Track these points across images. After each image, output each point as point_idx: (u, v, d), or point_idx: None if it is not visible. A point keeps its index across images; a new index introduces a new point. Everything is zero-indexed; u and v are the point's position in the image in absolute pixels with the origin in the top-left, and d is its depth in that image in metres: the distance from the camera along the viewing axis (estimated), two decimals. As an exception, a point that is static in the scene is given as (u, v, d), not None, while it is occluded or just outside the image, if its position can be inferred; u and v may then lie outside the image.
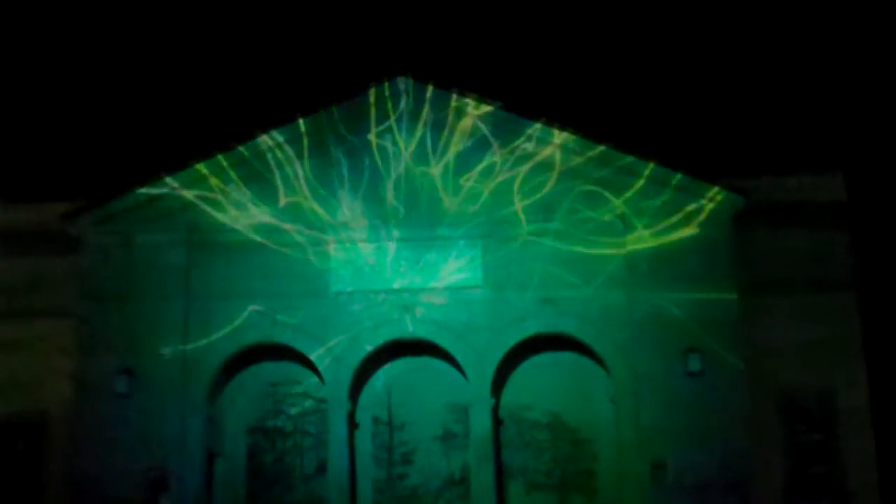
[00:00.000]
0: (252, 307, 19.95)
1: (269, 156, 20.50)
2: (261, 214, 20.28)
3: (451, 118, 20.55)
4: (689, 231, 19.79)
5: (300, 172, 20.48)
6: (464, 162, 20.39)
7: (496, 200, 20.16)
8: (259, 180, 20.48)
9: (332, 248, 20.19)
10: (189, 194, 20.39)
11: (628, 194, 19.97)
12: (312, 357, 20.03)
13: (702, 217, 19.82)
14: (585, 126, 20.78)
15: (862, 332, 20.66)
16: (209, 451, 20.14)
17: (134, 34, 34.69)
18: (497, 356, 19.86)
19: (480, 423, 19.73)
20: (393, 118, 20.66)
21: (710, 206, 19.86)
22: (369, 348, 20.09)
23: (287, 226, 20.17)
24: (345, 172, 20.44)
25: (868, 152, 26.84)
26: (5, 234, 21.50)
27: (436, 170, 20.38)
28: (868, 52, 30.99)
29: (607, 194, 20.02)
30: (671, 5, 33.87)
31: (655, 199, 19.92)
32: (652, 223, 19.83)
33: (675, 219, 19.83)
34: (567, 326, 19.87)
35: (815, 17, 31.84)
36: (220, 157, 20.42)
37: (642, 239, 19.82)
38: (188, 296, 20.05)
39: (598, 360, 20.13)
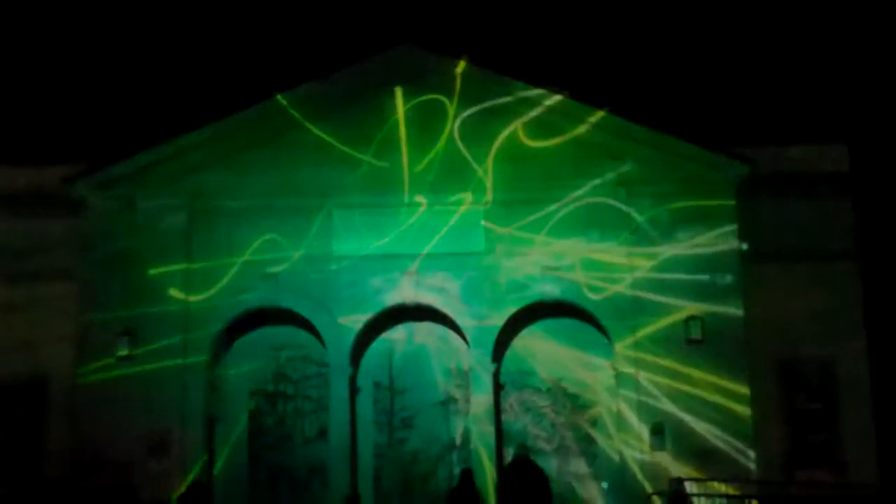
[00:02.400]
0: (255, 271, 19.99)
1: (273, 120, 20.43)
2: (264, 179, 20.22)
3: (455, 84, 20.48)
4: (692, 199, 19.78)
5: (304, 137, 20.41)
6: (468, 128, 20.34)
7: (500, 167, 20.12)
8: (262, 145, 20.42)
9: (336, 214, 20.17)
10: (192, 158, 20.34)
11: (631, 161, 19.94)
12: (314, 321, 20.09)
13: (705, 185, 19.80)
14: (588, 92, 20.76)
15: (863, 301, 20.73)
16: (210, 415, 20.18)
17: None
18: (499, 322, 19.91)
19: (481, 388, 19.79)
20: (396, 84, 20.58)
21: (714, 174, 19.85)
22: (371, 313, 20.10)
23: (290, 190, 20.11)
24: (348, 137, 20.38)
25: (872, 123, 26.80)
26: (7, 196, 21.42)
27: (440, 136, 20.32)
28: (873, 22, 30.84)
29: (611, 161, 19.99)
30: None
31: (659, 166, 19.90)
32: (655, 191, 19.81)
33: (678, 187, 19.80)
34: (569, 293, 19.89)
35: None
36: (223, 121, 20.33)
37: (645, 207, 19.81)
38: (190, 260, 20.02)
39: (600, 327, 20.18)
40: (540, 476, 15.52)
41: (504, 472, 17.48)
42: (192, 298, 19.92)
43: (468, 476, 16.76)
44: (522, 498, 15.27)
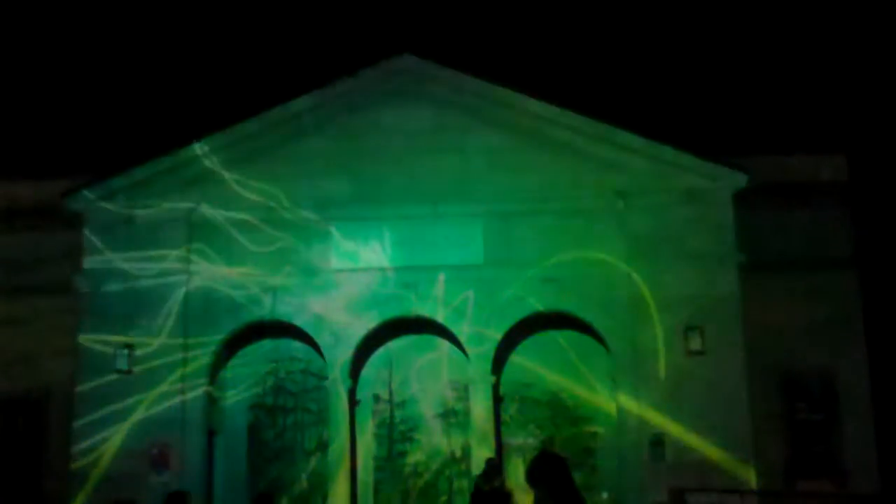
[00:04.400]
0: (254, 284, 19.93)
1: (272, 132, 20.43)
2: (262, 191, 20.20)
3: (452, 96, 20.47)
4: (690, 210, 19.74)
5: (302, 149, 20.39)
6: (465, 139, 20.31)
7: (497, 178, 20.06)
8: (260, 158, 20.39)
9: (334, 226, 20.11)
10: (190, 171, 20.34)
11: (629, 172, 19.90)
12: (314, 335, 20.02)
13: (703, 196, 19.76)
14: (586, 103, 20.77)
15: (863, 311, 20.70)
16: (210, 428, 20.14)
17: (134, 9, 34.53)
18: (498, 334, 19.82)
19: (481, 401, 19.70)
20: (393, 96, 20.57)
21: (712, 184, 19.81)
22: (370, 326, 20.03)
23: (289, 203, 20.09)
24: (346, 150, 20.35)
25: (870, 132, 26.80)
26: (6, 210, 21.46)
27: (436, 147, 20.25)
28: (871, 32, 30.86)
29: (608, 172, 19.93)
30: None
31: (657, 177, 19.85)
32: (653, 201, 19.75)
33: (676, 197, 19.76)
34: (568, 304, 19.82)
35: (819, -3, 31.71)
36: (220, 134, 20.34)
37: (643, 217, 19.75)
38: (189, 272, 19.98)
39: (599, 339, 20.13)
40: (562, 464, 15.97)
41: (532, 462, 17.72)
42: (191, 312, 19.86)
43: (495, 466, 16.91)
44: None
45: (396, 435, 21.10)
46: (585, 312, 19.78)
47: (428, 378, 21.12)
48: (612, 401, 20.02)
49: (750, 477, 18.71)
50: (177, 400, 19.53)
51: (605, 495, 20.30)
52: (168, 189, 20.30)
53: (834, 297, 20.52)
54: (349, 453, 19.91)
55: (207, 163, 20.34)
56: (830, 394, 20.53)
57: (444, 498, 20.84)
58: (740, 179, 19.75)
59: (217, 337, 20.01)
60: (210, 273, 20.02)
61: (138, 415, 19.34)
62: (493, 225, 19.96)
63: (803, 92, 30.48)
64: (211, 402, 20.13)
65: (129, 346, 19.57)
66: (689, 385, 19.06)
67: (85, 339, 19.77)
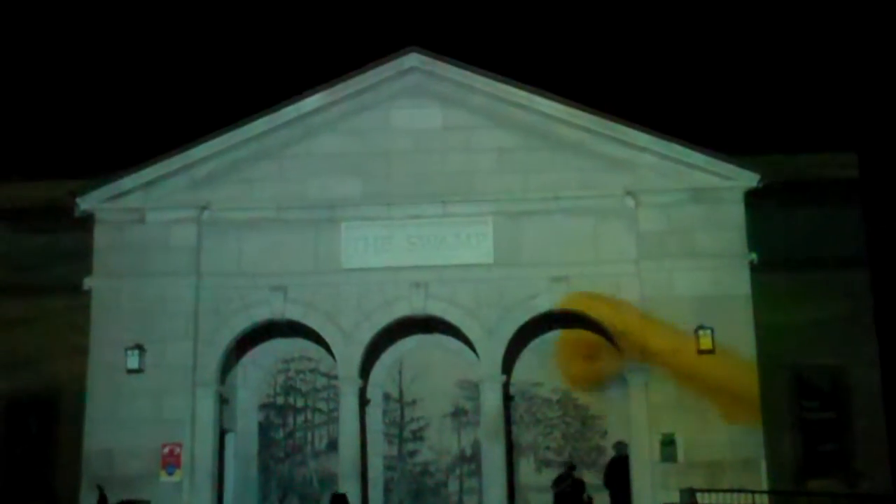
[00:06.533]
0: (264, 284, 19.94)
1: (281, 131, 20.44)
2: (272, 191, 20.24)
3: (461, 94, 20.47)
4: (700, 208, 19.71)
5: (312, 148, 20.41)
6: (474, 138, 20.30)
7: (508, 177, 20.06)
8: (271, 157, 20.43)
9: (344, 226, 20.13)
10: (200, 170, 20.37)
11: (639, 171, 19.89)
12: (324, 334, 20.01)
13: (714, 194, 19.74)
14: (595, 101, 20.70)
15: (874, 309, 20.65)
16: (221, 428, 20.16)
17: (144, 7, 34.58)
18: (508, 333, 19.76)
19: (491, 399, 19.68)
20: (403, 95, 20.58)
21: (723, 183, 19.77)
22: (380, 325, 20.00)
23: (298, 203, 20.11)
24: (355, 149, 20.37)
25: (881, 129, 26.67)
26: (17, 210, 21.53)
27: (446, 146, 20.27)
28: (882, 29, 30.73)
29: (618, 171, 19.92)
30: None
31: (667, 175, 19.84)
32: (663, 200, 19.74)
33: (686, 196, 19.74)
34: (578, 304, 19.75)
35: (830, -5, 31.58)
36: (231, 133, 20.35)
37: (653, 216, 19.73)
38: (199, 273, 20.01)
39: (609, 338, 20.10)
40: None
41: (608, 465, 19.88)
42: (201, 311, 19.88)
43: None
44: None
45: (407, 434, 21.13)
46: (595, 311, 19.74)
47: (438, 377, 21.15)
48: (622, 400, 19.98)
49: (761, 476, 18.66)
50: (187, 399, 19.54)
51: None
52: (178, 188, 20.35)
53: (845, 295, 20.49)
54: (360, 452, 19.89)
55: (217, 162, 20.40)
56: (841, 392, 20.51)
57: (454, 497, 20.87)
58: (751, 178, 19.70)
59: (227, 336, 20.00)
60: (220, 272, 20.04)
61: (149, 414, 19.36)
62: (503, 224, 19.95)
63: (814, 89, 30.37)
64: (221, 401, 20.15)
65: (140, 346, 19.59)
66: (699, 384, 19.01)
67: (95, 338, 19.81)
